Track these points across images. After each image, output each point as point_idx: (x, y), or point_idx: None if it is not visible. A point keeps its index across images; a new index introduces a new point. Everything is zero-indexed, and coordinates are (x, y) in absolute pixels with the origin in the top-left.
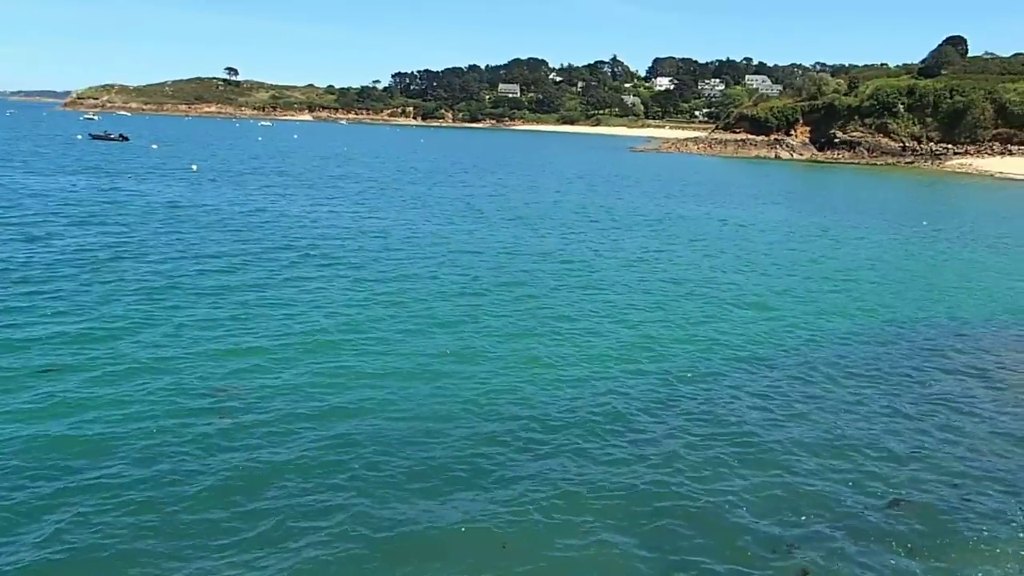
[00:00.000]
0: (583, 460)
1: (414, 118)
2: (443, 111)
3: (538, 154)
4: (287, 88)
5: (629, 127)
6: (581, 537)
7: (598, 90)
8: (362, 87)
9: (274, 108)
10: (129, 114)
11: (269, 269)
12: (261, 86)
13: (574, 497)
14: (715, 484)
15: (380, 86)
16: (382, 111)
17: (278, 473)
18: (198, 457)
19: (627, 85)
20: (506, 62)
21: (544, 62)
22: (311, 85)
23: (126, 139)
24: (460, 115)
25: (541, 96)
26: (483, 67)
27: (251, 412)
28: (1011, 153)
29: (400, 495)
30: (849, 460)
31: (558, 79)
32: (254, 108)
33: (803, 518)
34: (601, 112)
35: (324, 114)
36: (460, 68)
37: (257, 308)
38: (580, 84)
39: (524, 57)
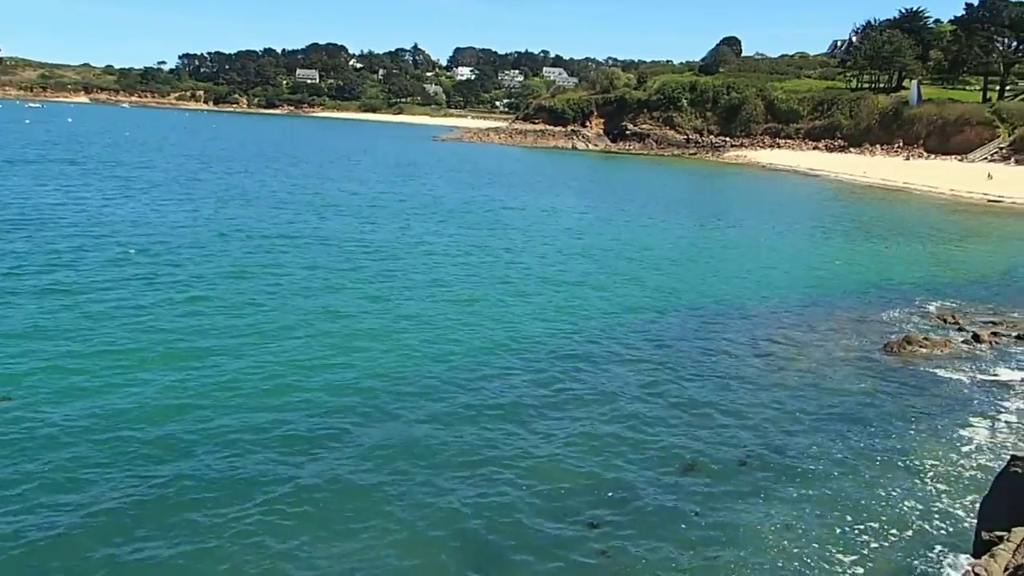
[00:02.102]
0: (384, 457)
1: (205, 103)
2: (237, 96)
3: (344, 142)
4: (59, 67)
5: (432, 116)
6: (382, 534)
7: (400, 78)
8: (146, 68)
9: (44, 88)
10: None
11: (60, 267)
12: (28, 64)
13: (373, 494)
14: (514, 471)
15: (166, 68)
16: (169, 94)
17: (50, 481)
18: None
19: (429, 74)
20: (304, 47)
21: (344, 48)
22: (87, 64)
23: None
24: (256, 100)
25: (341, 83)
26: (279, 51)
27: (37, 421)
28: (779, 146)
29: (197, 499)
30: (643, 434)
31: (359, 66)
32: (20, 88)
33: (607, 496)
34: (403, 100)
35: (103, 96)
36: (255, 51)
37: (50, 310)
38: (381, 72)
39: (323, 42)
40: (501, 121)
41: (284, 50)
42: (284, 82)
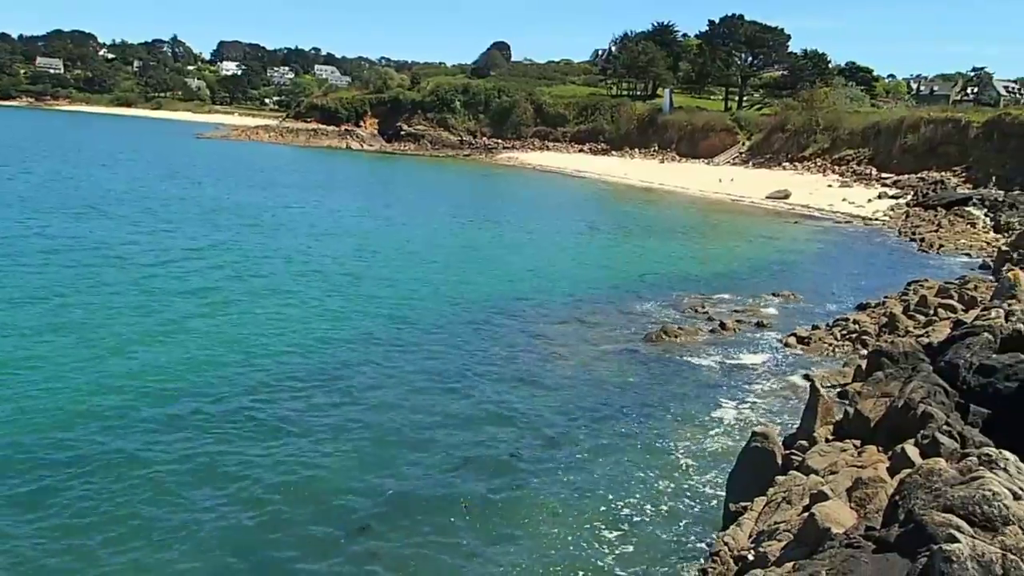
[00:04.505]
0: (146, 464)
1: None
2: None
3: (95, 138)
4: None
5: (195, 112)
6: (143, 547)
7: (158, 71)
8: None
9: None
10: None
11: None
12: None
13: (143, 513)
14: (283, 477)
15: None
16: None
17: None
18: None
19: (191, 68)
20: (45, 33)
21: (93, 36)
22: None
23: None
24: None
25: (90, 74)
26: (16, 37)
27: None
28: (548, 148)
29: None
30: (414, 435)
31: (110, 56)
32: None
33: (378, 498)
34: (162, 95)
35: None
36: None
37: None
38: (137, 63)
39: (67, 29)
40: (271, 119)
41: (21, 36)
42: (22, 71)
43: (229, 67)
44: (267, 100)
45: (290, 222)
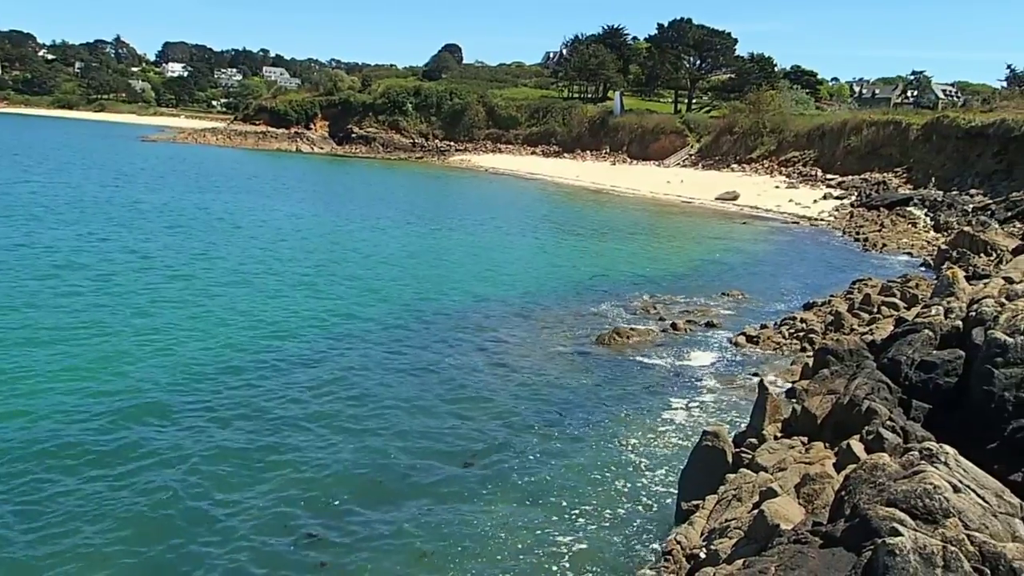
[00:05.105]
0: (94, 462)
1: None
2: None
3: (33, 140)
4: None
5: (139, 114)
6: (87, 552)
7: (101, 72)
8: None
9: None
10: None
11: None
12: None
13: (86, 505)
14: (229, 484)
15: None
16: None
17: None
18: None
19: (135, 69)
20: None
21: (32, 36)
22: None
23: None
24: None
25: (30, 75)
26: None
27: None
28: (500, 151)
29: None
30: (365, 442)
31: (50, 57)
32: None
33: (327, 505)
34: (105, 97)
35: None
36: None
37: None
38: (78, 65)
39: (5, 29)
40: (219, 122)
41: None
42: None
43: (175, 68)
44: (214, 102)
45: (248, 227)
